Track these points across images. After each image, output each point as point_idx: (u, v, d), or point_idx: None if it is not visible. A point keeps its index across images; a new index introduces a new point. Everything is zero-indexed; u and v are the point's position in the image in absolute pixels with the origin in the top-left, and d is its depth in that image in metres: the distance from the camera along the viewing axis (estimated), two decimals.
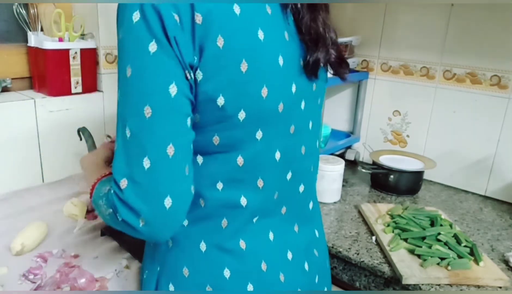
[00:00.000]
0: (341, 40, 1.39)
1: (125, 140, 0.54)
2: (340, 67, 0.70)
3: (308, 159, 0.72)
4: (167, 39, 0.51)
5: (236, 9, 0.54)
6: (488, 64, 1.28)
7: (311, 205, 0.76)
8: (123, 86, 0.54)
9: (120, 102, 0.55)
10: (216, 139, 0.58)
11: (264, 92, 0.58)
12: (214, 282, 0.64)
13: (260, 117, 0.59)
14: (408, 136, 1.48)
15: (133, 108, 0.53)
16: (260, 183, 0.63)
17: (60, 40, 1.28)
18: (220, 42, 0.53)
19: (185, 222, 0.64)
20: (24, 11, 1.25)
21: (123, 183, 0.53)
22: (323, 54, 0.64)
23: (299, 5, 0.62)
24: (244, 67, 0.55)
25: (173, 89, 0.52)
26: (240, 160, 0.60)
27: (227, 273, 0.64)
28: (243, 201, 0.63)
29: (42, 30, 1.31)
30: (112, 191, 0.55)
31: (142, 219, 0.54)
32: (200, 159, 0.61)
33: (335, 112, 1.64)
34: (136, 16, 0.51)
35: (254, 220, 0.66)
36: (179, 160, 0.54)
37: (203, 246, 0.64)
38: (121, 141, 0.54)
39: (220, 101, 0.55)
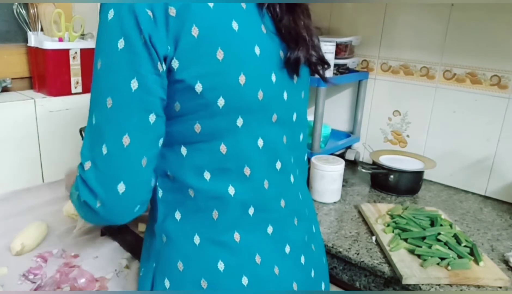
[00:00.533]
0: (341, 40, 1.39)
1: (91, 127, 0.59)
2: (322, 67, 0.73)
3: (293, 150, 0.72)
4: (141, 36, 0.54)
5: (210, 3, 0.57)
6: (488, 64, 1.28)
7: (300, 196, 0.76)
8: (94, 77, 0.58)
9: (91, 92, 0.59)
10: (197, 127, 0.60)
11: (242, 79, 0.60)
12: (209, 276, 0.64)
13: (240, 104, 0.61)
14: (408, 136, 1.48)
15: (99, 98, 0.58)
16: (247, 171, 0.64)
17: (60, 40, 1.28)
18: (195, 31, 0.56)
19: (178, 216, 0.65)
20: (24, 11, 1.25)
21: (87, 165, 0.58)
22: (303, 52, 0.66)
23: (277, 9, 0.64)
24: (220, 55, 0.57)
25: (134, 84, 0.56)
26: (223, 148, 0.62)
27: (221, 266, 0.64)
28: (231, 190, 0.64)
29: (42, 30, 1.31)
30: (78, 174, 0.60)
31: (99, 200, 0.58)
32: (184, 150, 0.63)
33: (335, 112, 1.64)
34: (111, 14, 0.55)
35: (250, 212, 0.66)
36: (134, 151, 0.58)
37: (196, 240, 0.65)
38: (88, 127, 0.59)
39: (198, 87, 0.57)
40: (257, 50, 0.61)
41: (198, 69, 0.57)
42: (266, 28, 0.63)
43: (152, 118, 0.58)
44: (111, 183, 0.58)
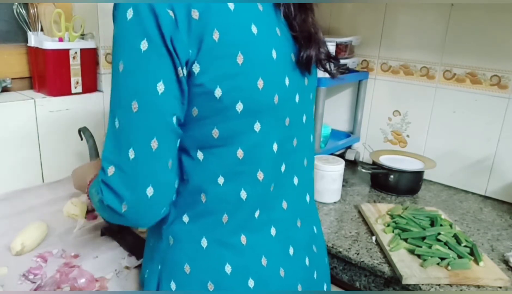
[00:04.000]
0: (341, 40, 1.39)
1: (114, 130, 0.57)
2: (328, 62, 0.73)
3: (301, 152, 0.72)
4: (162, 38, 0.53)
5: (230, 5, 0.56)
6: (488, 64, 1.28)
7: (307, 198, 0.76)
8: (115, 80, 0.57)
9: (112, 94, 0.57)
10: (215, 132, 0.60)
11: (260, 83, 0.59)
12: (216, 278, 0.64)
13: (257, 109, 0.61)
14: (408, 136, 1.48)
15: (122, 102, 0.56)
16: (260, 175, 0.64)
17: (60, 40, 1.28)
18: (216, 35, 0.55)
19: (186, 219, 0.65)
20: (24, 11, 1.25)
21: (110, 170, 0.57)
22: (314, 51, 0.66)
23: (291, 7, 0.64)
24: (240, 59, 0.57)
25: (160, 87, 0.54)
26: (240, 153, 0.62)
27: (228, 268, 0.64)
28: (243, 194, 0.64)
29: (42, 30, 1.31)
30: (100, 178, 0.59)
31: (125, 204, 0.57)
32: (200, 155, 0.62)
33: (335, 112, 1.64)
34: (130, 13, 0.53)
35: (256, 215, 0.66)
36: (162, 154, 0.57)
37: (204, 242, 0.64)
38: (110, 131, 0.58)
39: (218, 92, 0.57)
40: (274, 54, 0.61)
41: (218, 73, 0.56)
42: (280, 30, 0.63)
43: (175, 120, 0.57)
44: (139, 187, 0.57)
